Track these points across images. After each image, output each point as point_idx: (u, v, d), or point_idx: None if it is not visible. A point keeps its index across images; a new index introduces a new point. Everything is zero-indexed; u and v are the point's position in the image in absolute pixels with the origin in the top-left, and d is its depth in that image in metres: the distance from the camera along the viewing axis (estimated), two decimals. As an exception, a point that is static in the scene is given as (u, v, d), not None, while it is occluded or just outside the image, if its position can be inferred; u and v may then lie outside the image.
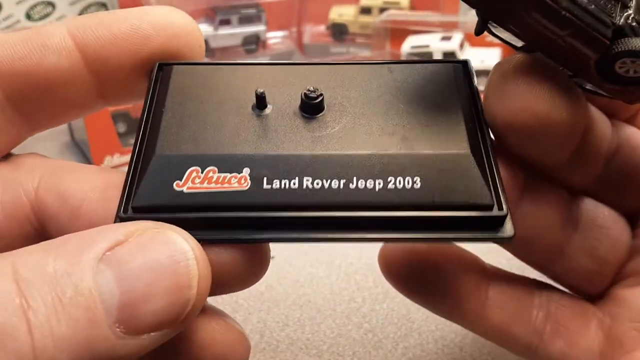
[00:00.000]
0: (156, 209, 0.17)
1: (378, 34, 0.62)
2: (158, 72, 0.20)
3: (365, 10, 0.72)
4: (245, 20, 0.68)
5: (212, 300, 0.20)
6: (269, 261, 0.19)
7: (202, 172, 0.17)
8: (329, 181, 0.17)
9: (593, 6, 0.17)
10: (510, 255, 0.24)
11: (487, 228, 0.17)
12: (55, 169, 0.19)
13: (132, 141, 0.19)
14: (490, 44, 0.58)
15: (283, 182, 0.17)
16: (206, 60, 0.21)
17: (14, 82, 0.18)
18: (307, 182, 0.17)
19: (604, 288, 0.24)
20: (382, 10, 0.69)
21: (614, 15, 0.17)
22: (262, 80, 0.20)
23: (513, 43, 0.20)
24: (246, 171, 0.17)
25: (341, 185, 0.17)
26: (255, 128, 0.18)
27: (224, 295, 0.28)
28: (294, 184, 0.17)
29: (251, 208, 0.17)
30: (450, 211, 0.17)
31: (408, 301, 0.29)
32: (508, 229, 0.17)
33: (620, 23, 0.17)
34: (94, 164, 0.48)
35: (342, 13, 0.73)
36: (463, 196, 0.17)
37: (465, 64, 0.20)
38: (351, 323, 0.32)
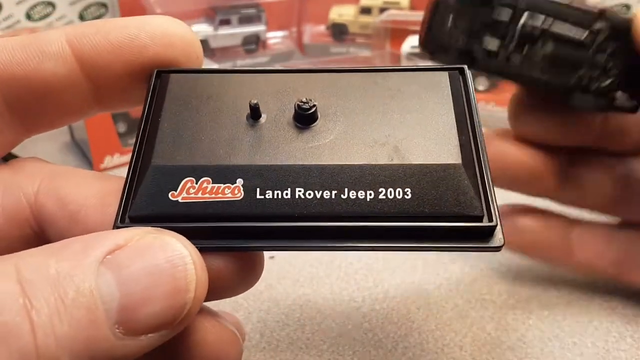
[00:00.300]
0: (152, 218, 0.17)
1: (378, 34, 0.62)
2: (156, 79, 0.20)
3: (365, 10, 0.72)
4: (245, 20, 0.68)
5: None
6: (262, 269, 0.20)
7: (196, 183, 0.18)
8: (320, 192, 0.17)
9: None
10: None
11: (477, 238, 0.17)
12: (55, 174, 0.20)
13: (132, 141, 0.19)
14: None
15: (276, 192, 0.17)
16: (204, 65, 0.21)
17: (12, 87, 0.18)
18: (299, 192, 0.17)
19: None
20: (382, 10, 0.69)
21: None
22: (257, 89, 0.20)
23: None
24: (239, 182, 0.18)
25: (332, 196, 0.17)
26: (249, 138, 0.18)
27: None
28: (287, 194, 0.17)
29: (244, 218, 0.17)
30: (441, 222, 0.17)
31: (408, 301, 0.29)
32: (498, 239, 0.17)
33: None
34: (94, 163, 0.48)
35: (342, 13, 0.72)
36: (453, 207, 0.17)
37: (462, 70, 0.20)
38: (351, 323, 0.32)
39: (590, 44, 0.26)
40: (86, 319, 0.14)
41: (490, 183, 0.18)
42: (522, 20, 0.27)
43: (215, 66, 0.57)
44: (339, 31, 0.73)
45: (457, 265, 0.36)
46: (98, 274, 0.15)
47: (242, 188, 0.17)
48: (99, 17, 0.84)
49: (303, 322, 0.32)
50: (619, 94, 0.27)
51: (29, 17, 0.80)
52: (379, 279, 0.35)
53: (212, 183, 0.18)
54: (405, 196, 0.17)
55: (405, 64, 0.57)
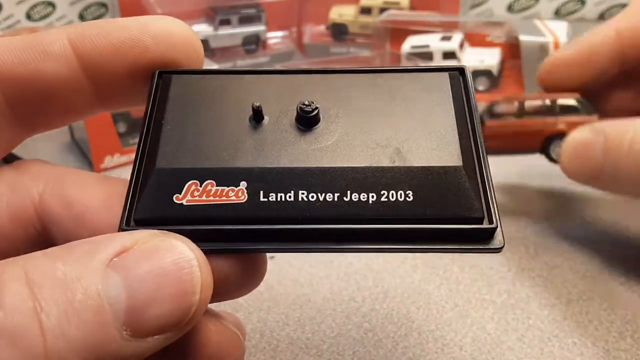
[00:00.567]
0: (157, 221, 0.17)
1: (378, 34, 0.62)
2: (158, 80, 0.20)
3: (365, 10, 0.72)
4: (245, 20, 0.68)
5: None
6: (265, 270, 0.20)
7: (200, 186, 0.18)
8: (323, 194, 0.18)
9: None
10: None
11: (478, 240, 0.18)
12: (59, 176, 0.20)
13: (132, 141, 0.19)
14: (490, 44, 0.58)
15: (279, 195, 0.18)
16: (205, 66, 0.21)
17: (14, 86, 0.19)
18: (302, 195, 0.18)
19: None
20: (382, 10, 0.69)
21: None
22: (259, 90, 0.20)
23: None
24: (243, 184, 0.18)
25: (335, 198, 0.17)
26: (252, 141, 0.19)
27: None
28: (290, 197, 0.17)
29: (248, 221, 0.17)
30: (442, 224, 0.17)
31: (408, 301, 0.29)
32: (498, 240, 0.18)
33: None
34: (94, 163, 0.48)
35: (342, 13, 0.72)
36: (454, 209, 0.17)
37: (462, 71, 0.20)
38: (351, 323, 0.32)
39: None
40: (94, 321, 0.14)
41: (491, 185, 0.18)
42: None
43: (215, 66, 0.57)
44: (339, 31, 0.73)
45: (457, 265, 0.36)
46: (105, 276, 0.15)
47: (245, 191, 0.18)
48: (99, 17, 0.84)
49: (303, 322, 0.32)
50: None
51: (29, 17, 0.80)
52: (379, 279, 0.35)
53: (216, 186, 0.18)
54: (407, 198, 0.17)
55: (405, 64, 0.57)
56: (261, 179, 0.18)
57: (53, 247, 0.16)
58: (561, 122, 0.36)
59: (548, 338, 0.30)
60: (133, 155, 0.48)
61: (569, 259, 0.37)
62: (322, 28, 0.74)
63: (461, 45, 0.57)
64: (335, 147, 0.18)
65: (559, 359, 0.29)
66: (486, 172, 0.18)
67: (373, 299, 0.33)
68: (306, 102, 0.19)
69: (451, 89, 0.20)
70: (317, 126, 0.19)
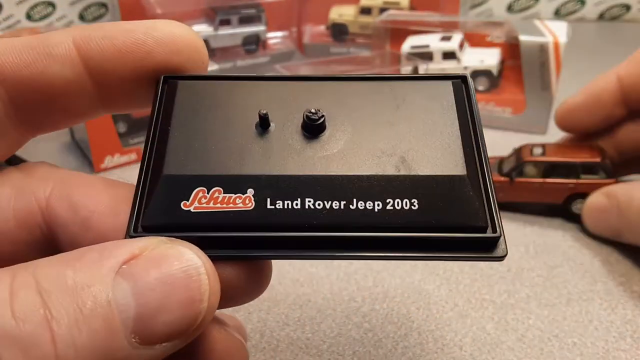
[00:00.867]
0: (165, 228, 0.17)
1: (378, 34, 0.62)
2: (163, 85, 0.20)
3: (365, 11, 0.72)
4: (245, 20, 0.68)
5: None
6: (270, 277, 0.20)
7: (208, 193, 0.18)
8: (330, 202, 0.18)
9: None
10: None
11: (481, 248, 0.18)
12: (66, 179, 0.20)
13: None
14: (490, 44, 0.58)
15: (286, 202, 0.18)
16: (210, 72, 0.21)
17: (19, 88, 0.19)
18: (309, 202, 0.18)
19: None
20: (382, 10, 0.69)
21: None
22: (265, 97, 0.20)
23: None
24: (250, 192, 0.18)
25: (342, 206, 0.18)
26: (259, 148, 0.19)
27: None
28: (297, 204, 0.18)
29: (255, 228, 0.17)
30: (447, 232, 0.17)
31: (408, 301, 0.29)
32: (501, 249, 0.18)
33: None
34: (94, 163, 0.48)
35: (342, 13, 0.73)
36: (459, 218, 0.17)
37: (465, 79, 0.20)
38: (351, 323, 0.32)
39: None
40: (104, 329, 0.14)
41: (494, 194, 0.18)
42: None
43: (215, 66, 0.57)
44: (339, 31, 0.73)
45: (457, 265, 0.36)
46: (114, 284, 0.15)
47: (253, 198, 0.18)
48: (99, 17, 0.84)
49: (303, 322, 0.32)
50: None
51: (29, 17, 0.80)
52: (379, 279, 0.35)
53: (224, 193, 0.18)
54: (412, 207, 0.18)
55: (405, 64, 0.57)
56: (268, 186, 0.18)
57: (62, 254, 0.16)
58: (582, 183, 0.39)
59: (548, 338, 0.30)
60: (133, 155, 0.49)
61: (569, 259, 0.37)
62: (322, 28, 0.74)
63: (461, 46, 0.57)
64: (342, 155, 0.18)
65: (559, 359, 0.29)
66: (489, 181, 0.18)
67: (373, 299, 0.33)
68: (312, 110, 0.19)
69: (455, 97, 0.20)
70: (323, 134, 0.19)
